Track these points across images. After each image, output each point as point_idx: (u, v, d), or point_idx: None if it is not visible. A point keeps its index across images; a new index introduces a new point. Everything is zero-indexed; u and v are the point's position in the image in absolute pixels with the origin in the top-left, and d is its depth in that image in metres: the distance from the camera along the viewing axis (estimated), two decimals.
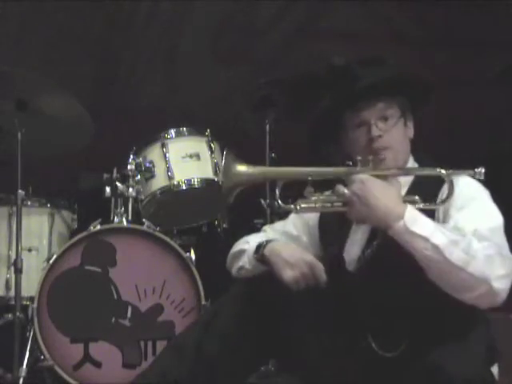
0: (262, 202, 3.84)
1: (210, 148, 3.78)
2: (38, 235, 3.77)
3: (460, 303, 2.24)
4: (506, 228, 2.41)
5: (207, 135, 3.81)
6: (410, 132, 2.52)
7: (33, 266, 3.66)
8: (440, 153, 2.56)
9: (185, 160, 3.74)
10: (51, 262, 3.44)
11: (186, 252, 3.54)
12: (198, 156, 3.76)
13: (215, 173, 3.73)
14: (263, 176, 2.55)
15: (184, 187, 3.71)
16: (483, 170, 2.30)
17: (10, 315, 3.55)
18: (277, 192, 2.38)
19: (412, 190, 2.42)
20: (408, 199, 2.31)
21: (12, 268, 3.48)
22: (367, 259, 2.42)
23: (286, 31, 4.81)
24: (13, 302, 3.46)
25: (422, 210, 2.29)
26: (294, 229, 2.62)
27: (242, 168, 2.39)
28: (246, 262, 2.51)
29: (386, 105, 2.47)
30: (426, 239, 2.18)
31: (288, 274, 2.33)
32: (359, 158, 2.36)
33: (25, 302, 3.54)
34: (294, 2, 4.80)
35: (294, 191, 2.41)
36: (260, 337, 2.42)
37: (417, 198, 2.32)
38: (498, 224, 2.29)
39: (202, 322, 2.54)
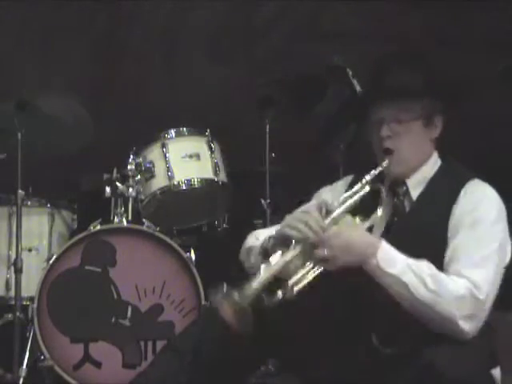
0: (262, 201, 3.84)
1: (210, 148, 3.78)
2: (38, 235, 3.78)
3: None
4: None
5: (207, 135, 3.81)
6: (434, 132, 2.50)
7: (33, 266, 3.66)
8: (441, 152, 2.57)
9: (185, 160, 3.74)
10: (51, 262, 3.44)
11: (186, 252, 3.54)
12: (198, 156, 3.76)
13: (215, 173, 3.74)
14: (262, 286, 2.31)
15: (184, 187, 3.71)
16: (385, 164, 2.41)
17: (10, 315, 3.55)
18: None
19: (429, 188, 2.46)
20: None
21: (12, 268, 3.49)
22: None
23: (286, 31, 4.80)
24: (13, 302, 3.47)
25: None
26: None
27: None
28: (253, 261, 2.50)
29: (402, 107, 2.44)
30: (396, 277, 2.26)
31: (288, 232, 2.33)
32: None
33: (25, 302, 3.55)
34: (293, 2, 4.80)
35: None
36: (259, 336, 2.42)
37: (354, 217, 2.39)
38: (491, 251, 2.31)
39: (200, 323, 2.54)
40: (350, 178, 2.66)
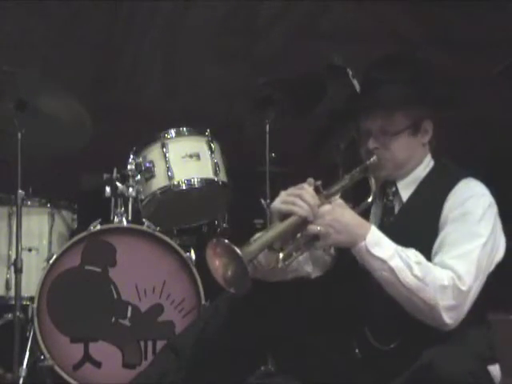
0: (262, 201, 3.84)
1: (210, 148, 3.78)
2: (38, 235, 3.77)
3: None
4: (506, 231, 2.42)
5: (207, 135, 3.81)
6: (424, 137, 2.50)
7: (33, 266, 3.66)
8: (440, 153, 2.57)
9: (185, 160, 3.74)
10: (51, 261, 3.44)
11: (185, 252, 3.54)
12: (197, 156, 3.76)
13: (215, 173, 3.74)
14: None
15: (184, 187, 3.71)
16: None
17: (10, 315, 3.55)
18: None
19: (419, 189, 2.47)
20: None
21: (12, 268, 3.49)
22: None
23: (286, 31, 4.81)
24: (13, 302, 3.47)
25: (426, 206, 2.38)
26: None
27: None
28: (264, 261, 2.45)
29: (387, 118, 2.44)
30: (383, 261, 2.27)
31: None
32: None
33: (25, 302, 3.55)
34: (293, 2, 4.80)
35: None
36: (258, 337, 2.43)
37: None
38: (475, 246, 2.32)
39: (200, 323, 2.54)
40: None
